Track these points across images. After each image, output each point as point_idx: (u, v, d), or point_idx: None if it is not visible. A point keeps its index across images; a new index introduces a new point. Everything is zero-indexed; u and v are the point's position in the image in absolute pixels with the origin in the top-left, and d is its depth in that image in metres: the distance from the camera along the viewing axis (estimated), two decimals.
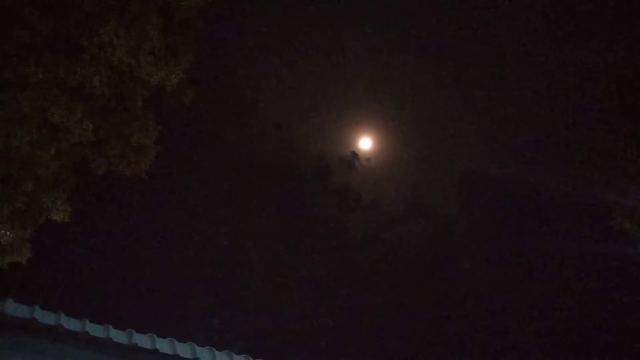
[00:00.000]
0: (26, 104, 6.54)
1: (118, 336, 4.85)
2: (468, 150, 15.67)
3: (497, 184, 15.29)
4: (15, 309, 4.58)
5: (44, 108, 6.60)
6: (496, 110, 15.13)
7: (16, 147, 6.63)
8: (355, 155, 15.70)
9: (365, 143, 15.76)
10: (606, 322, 13.75)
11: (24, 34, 6.72)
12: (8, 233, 6.73)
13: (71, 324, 4.74)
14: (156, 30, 6.88)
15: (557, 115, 13.18)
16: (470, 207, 16.01)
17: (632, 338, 13.23)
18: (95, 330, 4.80)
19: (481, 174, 15.44)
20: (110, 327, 4.93)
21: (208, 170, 14.49)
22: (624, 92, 9.08)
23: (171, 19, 7.47)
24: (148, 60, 6.88)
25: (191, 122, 12.95)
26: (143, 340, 4.92)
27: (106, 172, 7.75)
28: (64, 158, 7.37)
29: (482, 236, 15.66)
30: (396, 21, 14.73)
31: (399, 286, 15.41)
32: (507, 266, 15.25)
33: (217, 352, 5.23)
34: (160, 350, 4.86)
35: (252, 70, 14.69)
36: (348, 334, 14.50)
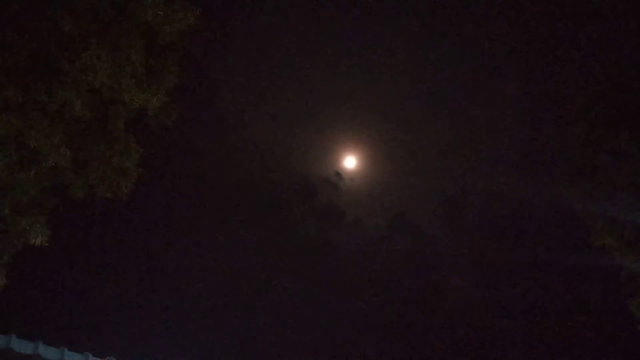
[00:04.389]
0: (3, 127, 6.45)
1: None
2: (451, 167, 15.87)
3: (479, 201, 15.48)
4: None
5: (23, 131, 6.51)
6: (479, 127, 15.41)
7: None
8: (339, 175, 15.81)
9: (350, 162, 15.89)
10: (587, 334, 13.86)
11: (4, 56, 6.66)
12: None
13: (49, 352, 4.63)
14: (138, 54, 6.88)
15: (540, 130, 13.46)
16: (454, 223, 16.14)
17: (614, 350, 13.34)
18: (75, 358, 4.69)
19: (464, 190, 15.62)
20: (90, 355, 4.83)
21: (191, 191, 14.40)
22: (604, 106, 9.27)
23: (154, 42, 7.47)
24: (130, 83, 6.86)
25: (174, 144, 12.90)
26: None
27: (87, 195, 7.63)
28: (43, 181, 7.25)
29: (466, 252, 15.76)
30: (381, 42, 15.01)
31: (384, 303, 15.37)
32: (490, 282, 15.33)
33: None
34: None
35: (236, 92, 14.77)
36: (333, 350, 14.36)
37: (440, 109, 15.49)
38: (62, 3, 6.78)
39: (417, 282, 15.67)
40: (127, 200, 7.63)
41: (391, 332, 14.90)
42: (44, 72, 6.83)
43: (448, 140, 15.75)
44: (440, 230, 16.17)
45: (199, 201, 14.50)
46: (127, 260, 12.93)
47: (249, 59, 14.66)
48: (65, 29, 6.81)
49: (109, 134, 7.28)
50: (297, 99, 15.27)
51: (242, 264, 14.75)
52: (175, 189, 14.00)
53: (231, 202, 14.95)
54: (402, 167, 15.98)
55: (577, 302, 14.15)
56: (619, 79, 9.38)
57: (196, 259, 14.15)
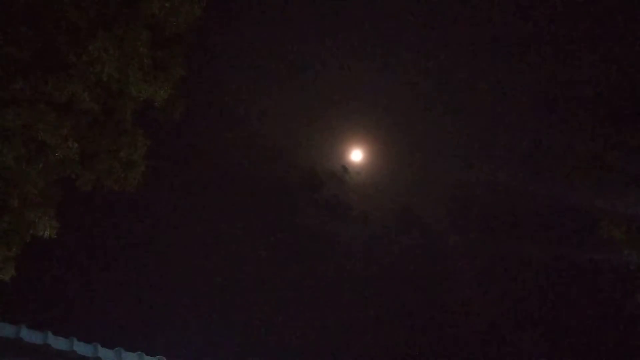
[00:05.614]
0: (11, 120, 6.49)
1: (107, 355, 4.80)
2: (458, 161, 15.81)
3: (487, 194, 15.42)
4: (0, 328, 4.49)
5: (31, 124, 6.55)
6: (485, 121, 15.33)
7: (1, 163, 6.55)
8: (345, 169, 15.78)
9: (356, 156, 15.85)
10: (594, 327, 13.85)
11: (12, 50, 6.69)
12: None
13: (59, 343, 4.67)
14: (145, 46, 6.89)
15: (547, 124, 13.37)
16: (461, 217, 16.10)
17: (620, 344, 13.32)
18: (84, 349, 4.74)
19: (471, 184, 15.57)
20: (99, 345, 4.87)
21: (198, 185, 14.44)
22: (612, 100, 9.24)
23: (160, 34, 7.49)
24: (137, 76, 6.88)
25: (181, 137, 12.93)
26: (131, 359, 4.86)
27: (94, 187, 7.69)
28: (51, 173, 7.30)
29: (473, 247, 15.73)
30: (386, 36, 14.92)
31: (389, 298, 15.39)
32: (498, 276, 15.31)
33: None
34: None
35: (243, 84, 14.75)
36: (338, 347, 14.42)
37: (448, 104, 15.42)
38: None
39: (423, 276, 15.67)
40: (134, 192, 7.69)
41: (397, 326, 14.94)
42: (52, 65, 6.85)
43: (455, 134, 15.69)
44: (447, 225, 16.14)
45: (205, 194, 14.56)
46: (134, 251, 13.02)
47: (256, 51, 14.64)
48: (73, 22, 6.83)
49: (116, 127, 7.33)
50: (305, 91, 15.25)
51: (247, 256, 14.82)
52: (181, 181, 14.05)
53: (237, 195, 15.00)
54: (409, 161, 15.95)
55: (584, 296, 14.11)
56: (628, 74, 9.32)
57: (202, 251, 14.23)
